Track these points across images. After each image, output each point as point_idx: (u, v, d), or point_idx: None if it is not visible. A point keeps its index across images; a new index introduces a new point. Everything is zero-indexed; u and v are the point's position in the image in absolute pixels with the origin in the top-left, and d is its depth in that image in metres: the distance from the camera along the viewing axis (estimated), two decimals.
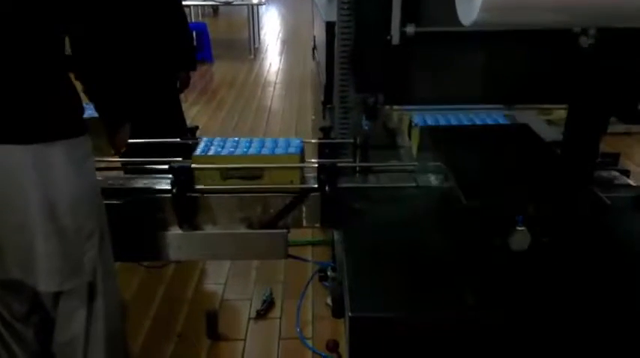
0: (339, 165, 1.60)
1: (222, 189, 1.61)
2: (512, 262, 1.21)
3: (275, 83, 6.33)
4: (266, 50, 8.05)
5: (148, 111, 2.50)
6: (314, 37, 6.14)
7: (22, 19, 1.27)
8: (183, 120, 2.80)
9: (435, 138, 1.56)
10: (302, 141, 1.67)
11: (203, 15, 9.29)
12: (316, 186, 1.59)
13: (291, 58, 7.52)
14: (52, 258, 1.39)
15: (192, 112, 5.14)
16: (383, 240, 1.43)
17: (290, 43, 8.43)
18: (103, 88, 1.49)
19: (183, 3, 6.97)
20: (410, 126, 1.73)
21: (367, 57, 1.58)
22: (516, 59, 1.58)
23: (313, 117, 4.87)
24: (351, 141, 1.72)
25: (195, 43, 6.81)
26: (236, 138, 1.69)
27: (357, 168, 1.70)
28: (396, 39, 1.53)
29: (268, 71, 6.89)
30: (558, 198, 1.28)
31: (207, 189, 1.59)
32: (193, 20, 7.96)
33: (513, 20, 1.08)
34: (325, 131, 1.77)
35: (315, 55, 5.25)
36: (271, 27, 9.88)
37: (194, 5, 7.87)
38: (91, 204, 1.45)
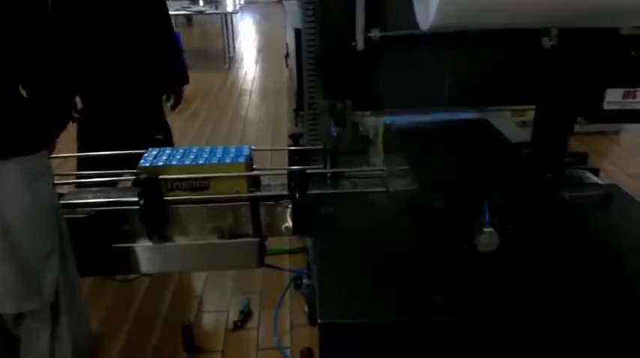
0: (309, 171, 1.60)
1: (193, 199, 1.60)
2: (481, 263, 1.22)
3: (250, 92, 6.31)
4: (241, 59, 8.04)
5: (135, 127, 2.48)
6: (286, 44, 6.13)
7: None
8: (170, 132, 2.78)
9: (398, 139, 1.56)
10: (250, 149, 1.64)
11: (177, 25, 9.23)
12: (286, 193, 1.58)
13: (266, 66, 7.51)
14: (7, 279, 1.35)
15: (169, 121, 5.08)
16: (353, 245, 1.43)
17: (265, 51, 8.43)
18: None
19: None
20: (385, 132, 1.73)
21: (333, 63, 1.58)
22: (483, 60, 1.59)
23: (288, 124, 4.87)
24: (321, 147, 1.72)
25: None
26: (186, 147, 1.65)
27: (328, 175, 1.69)
28: (360, 45, 1.53)
29: (244, 80, 6.87)
30: (520, 192, 1.29)
31: (176, 200, 1.57)
32: None
33: (470, 23, 1.09)
34: (295, 138, 1.76)
35: (288, 62, 5.26)
36: (246, 35, 9.87)
37: None
38: (47, 223, 1.40)
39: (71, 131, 2.49)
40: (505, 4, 1.03)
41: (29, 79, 1.37)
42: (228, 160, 1.57)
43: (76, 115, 2.47)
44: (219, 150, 1.64)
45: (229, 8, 7.58)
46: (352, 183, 1.67)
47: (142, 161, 1.55)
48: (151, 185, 1.53)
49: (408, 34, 1.52)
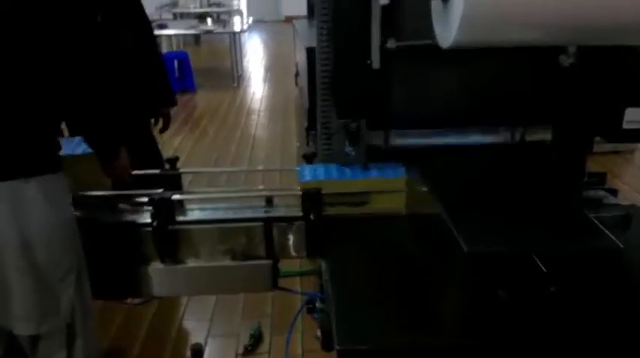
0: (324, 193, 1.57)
1: (205, 220, 1.57)
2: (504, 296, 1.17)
3: (259, 111, 6.31)
4: (249, 78, 8.07)
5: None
6: (296, 63, 6.14)
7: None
8: (160, 157, 2.70)
9: (424, 170, 1.51)
10: None
11: (185, 44, 9.31)
12: (300, 214, 1.55)
13: (274, 85, 7.53)
14: (27, 298, 1.34)
15: (175, 142, 5.09)
16: (371, 269, 1.39)
17: (273, 70, 8.46)
18: (89, 116, 1.45)
19: (164, 32, 7.07)
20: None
21: (347, 82, 1.56)
22: (500, 79, 1.57)
23: (298, 144, 4.85)
24: None
25: (176, 74, 6.84)
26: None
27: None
28: (376, 63, 1.51)
29: (252, 99, 6.88)
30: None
31: (189, 221, 1.55)
32: (174, 49, 7.95)
33: (491, 40, 1.06)
34: (308, 158, 1.74)
35: (298, 81, 5.25)
36: (254, 54, 9.92)
37: (175, 35, 7.87)
38: (67, 241, 1.41)
39: None
40: (527, 21, 1.01)
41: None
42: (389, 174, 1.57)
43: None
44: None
45: (237, 27, 7.62)
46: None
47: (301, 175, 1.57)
48: (164, 206, 1.51)
49: (424, 48, 1.51)
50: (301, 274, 2.54)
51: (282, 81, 7.28)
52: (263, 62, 9.27)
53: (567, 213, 1.33)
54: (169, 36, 7.59)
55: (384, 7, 1.44)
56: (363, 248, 1.49)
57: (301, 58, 3.08)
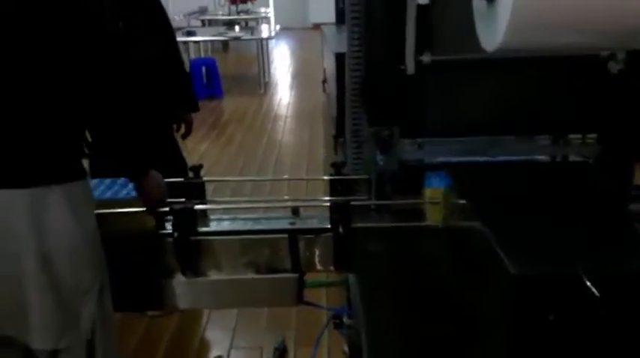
0: (353, 203, 1.49)
1: (228, 231, 1.51)
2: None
3: (286, 117, 6.27)
4: (276, 84, 8.04)
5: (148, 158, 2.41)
6: (324, 69, 6.09)
7: (31, 63, 1.21)
8: (184, 163, 2.65)
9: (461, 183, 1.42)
10: None
11: (213, 50, 9.34)
12: (329, 227, 1.48)
13: (301, 91, 7.49)
14: (46, 312, 1.28)
15: (202, 148, 5.07)
16: (403, 286, 1.32)
17: (300, 76, 8.42)
18: (112, 125, 1.38)
19: (192, 39, 7.09)
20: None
21: (379, 88, 1.48)
22: (543, 86, 1.48)
23: (324, 151, 4.79)
24: (365, 177, 1.61)
25: (204, 80, 6.84)
26: None
27: (372, 206, 1.58)
28: (410, 68, 1.43)
29: (279, 105, 6.85)
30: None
31: (212, 232, 1.48)
32: (202, 55, 7.98)
33: (540, 44, 0.98)
34: (337, 167, 1.66)
35: (326, 87, 5.21)
36: (281, 61, 9.92)
37: (203, 41, 7.90)
38: (89, 253, 1.34)
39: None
40: (581, 21, 0.92)
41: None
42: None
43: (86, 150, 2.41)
44: None
45: (265, 34, 7.61)
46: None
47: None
48: (186, 216, 1.45)
49: (461, 58, 1.43)
50: (328, 285, 2.46)
51: (310, 87, 7.24)
52: (290, 69, 9.25)
53: (616, 230, 1.22)
54: (197, 42, 7.61)
55: (419, 10, 1.37)
56: (395, 263, 1.42)
57: (329, 64, 3.03)
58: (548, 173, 1.55)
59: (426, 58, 1.42)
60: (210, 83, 6.90)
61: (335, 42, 2.69)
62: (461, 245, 1.37)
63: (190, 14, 9.00)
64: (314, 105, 6.45)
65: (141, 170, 1.45)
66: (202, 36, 7.53)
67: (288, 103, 6.95)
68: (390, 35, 1.43)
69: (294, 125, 5.96)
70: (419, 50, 1.42)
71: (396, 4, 1.40)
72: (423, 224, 1.50)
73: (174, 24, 7.81)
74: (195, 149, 4.79)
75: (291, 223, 1.51)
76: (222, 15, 8.97)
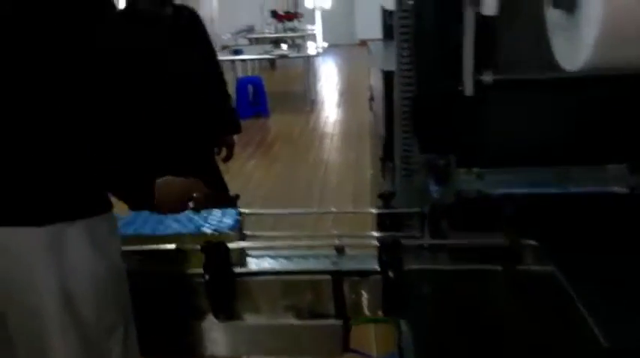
0: (404, 242, 1.32)
1: (265, 271, 1.37)
2: None
3: (332, 135, 6.17)
4: (323, 102, 7.96)
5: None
6: (370, 86, 5.94)
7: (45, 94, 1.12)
8: (225, 189, 2.53)
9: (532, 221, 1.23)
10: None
11: (261, 68, 9.36)
12: (377, 268, 1.31)
13: (348, 109, 7.38)
14: (71, 353, 1.20)
15: (248, 167, 5.02)
16: (461, 337, 1.15)
17: (347, 94, 8.32)
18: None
19: (239, 58, 7.10)
20: None
21: (433, 111, 1.32)
22: (621, 110, 1.28)
23: (371, 171, 4.62)
24: (417, 210, 1.45)
25: (250, 98, 6.81)
26: None
27: (425, 245, 1.41)
28: (469, 89, 1.27)
29: (325, 123, 6.75)
30: None
31: (247, 272, 1.35)
32: (250, 74, 7.98)
33: (637, 60, 0.80)
34: (386, 198, 1.50)
35: (372, 105, 5.06)
36: (328, 78, 9.84)
37: (251, 59, 7.91)
38: (114, 292, 1.25)
39: None
40: None
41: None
42: None
43: None
44: None
45: (311, 51, 7.55)
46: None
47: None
48: (218, 253, 1.32)
49: (528, 77, 1.26)
50: (376, 321, 2.28)
51: (356, 105, 7.12)
52: (337, 86, 9.17)
53: None
54: (245, 61, 7.62)
55: (479, 22, 1.21)
56: (452, 309, 1.24)
57: (376, 81, 2.88)
58: (630, 207, 1.35)
59: (487, 78, 1.25)
60: (256, 102, 6.88)
61: (382, 59, 2.54)
62: (530, 293, 1.19)
63: (237, 33, 9.05)
64: (361, 123, 6.30)
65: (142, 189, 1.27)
66: (249, 54, 7.55)
67: (335, 121, 6.86)
68: (445, 51, 1.27)
69: (340, 143, 5.85)
70: (478, 68, 1.26)
71: (450, 16, 1.24)
72: (485, 267, 1.31)
73: (222, 42, 7.91)
74: (242, 168, 4.73)
75: (335, 262, 1.35)
76: (269, 33, 8.98)
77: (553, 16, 0.88)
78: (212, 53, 2.45)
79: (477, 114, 1.29)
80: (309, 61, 7.40)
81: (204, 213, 1.41)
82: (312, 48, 7.88)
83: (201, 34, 2.37)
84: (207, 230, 1.39)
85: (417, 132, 1.37)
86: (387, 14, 3.17)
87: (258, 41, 8.94)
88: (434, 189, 1.37)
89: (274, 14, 8.63)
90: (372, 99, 5.53)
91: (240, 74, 7.39)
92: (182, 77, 2.19)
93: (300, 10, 9.50)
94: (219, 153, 2.49)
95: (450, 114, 1.29)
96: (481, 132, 1.30)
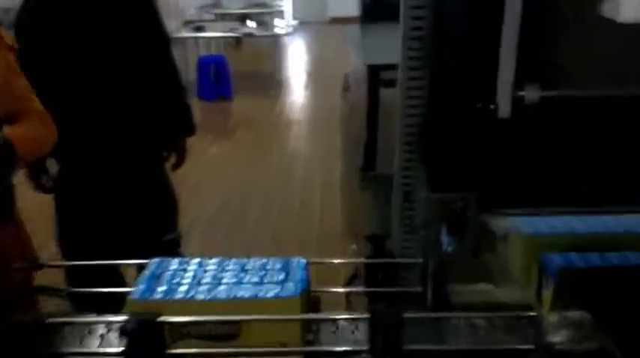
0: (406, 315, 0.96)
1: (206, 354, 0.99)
2: None
3: (299, 121, 5.80)
4: (290, 84, 7.56)
5: (132, 195, 1.90)
6: (346, 75, 5.58)
7: None
8: (174, 199, 2.13)
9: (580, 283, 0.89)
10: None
11: (226, 45, 8.84)
12: (365, 348, 0.95)
13: (317, 93, 7.01)
14: None
15: (209, 154, 4.65)
16: None
17: (316, 76, 7.91)
18: None
19: (203, 35, 6.65)
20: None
21: (451, 136, 0.96)
22: None
23: (345, 177, 4.26)
24: (419, 261, 1.08)
25: (212, 79, 6.34)
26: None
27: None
28: (504, 109, 0.91)
29: (292, 107, 6.37)
30: None
31: (183, 354, 0.97)
32: (213, 52, 7.51)
33: None
34: (376, 241, 1.13)
35: (348, 97, 4.71)
36: (297, 58, 9.41)
37: (215, 37, 7.43)
38: None
39: (44, 204, 1.94)
40: None
41: None
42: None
43: (50, 184, 1.88)
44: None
45: (280, 30, 7.12)
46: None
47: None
48: (147, 334, 0.93)
49: (587, 94, 0.90)
50: None
51: (326, 89, 6.77)
52: (305, 67, 8.75)
53: None
54: (209, 38, 7.15)
55: (525, 18, 0.84)
56: None
57: (356, 74, 2.51)
58: None
59: (532, 94, 0.89)
60: (219, 82, 6.43)
61: (367, 50, 2.14)
62: None
63: (203, 7, 8.52)
64: (331, 109, 5.95)
65: None
66: (212, 31, 7.07)
67: (303, 105, 6.48)
68: (473, 55, 0.90)
69: (308, 131, 5.48)
70: (519, 81, 0.89)
71: (486, 5, 0.87)
72: (508, 347, 0.97)
73: (185, 17, 7.39)
74: (203, 154, 4.36)
75: (309, 340, 0.98)
76: (237, 8, 8.47)
77: None
78: (161, 35, 2.00)
79: (513, 142, 0.92)
80: (277, 40, 6.97)
81: None
82: (280, 26, 7.45)
83: (148, 9, 1.93)
84: None
85: (425, 164, 1.00)
86: None
87: (224, 17, 8.44)
88: (446, 239, 1.01)
89: None
90: (346, 89, 5.16)
91: (201, 52, 6.91)
92: (120, 64, 1.77)
93: None
94: (167, 159, 2.06)
95: (476, 141, 0.92)
96: (518, 167, 0.94)
